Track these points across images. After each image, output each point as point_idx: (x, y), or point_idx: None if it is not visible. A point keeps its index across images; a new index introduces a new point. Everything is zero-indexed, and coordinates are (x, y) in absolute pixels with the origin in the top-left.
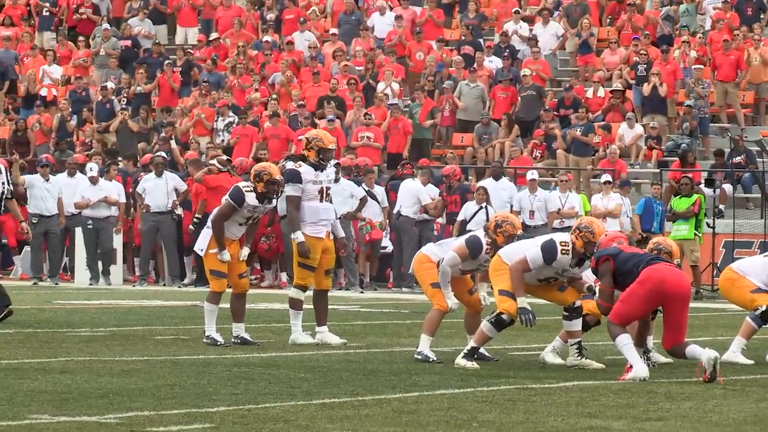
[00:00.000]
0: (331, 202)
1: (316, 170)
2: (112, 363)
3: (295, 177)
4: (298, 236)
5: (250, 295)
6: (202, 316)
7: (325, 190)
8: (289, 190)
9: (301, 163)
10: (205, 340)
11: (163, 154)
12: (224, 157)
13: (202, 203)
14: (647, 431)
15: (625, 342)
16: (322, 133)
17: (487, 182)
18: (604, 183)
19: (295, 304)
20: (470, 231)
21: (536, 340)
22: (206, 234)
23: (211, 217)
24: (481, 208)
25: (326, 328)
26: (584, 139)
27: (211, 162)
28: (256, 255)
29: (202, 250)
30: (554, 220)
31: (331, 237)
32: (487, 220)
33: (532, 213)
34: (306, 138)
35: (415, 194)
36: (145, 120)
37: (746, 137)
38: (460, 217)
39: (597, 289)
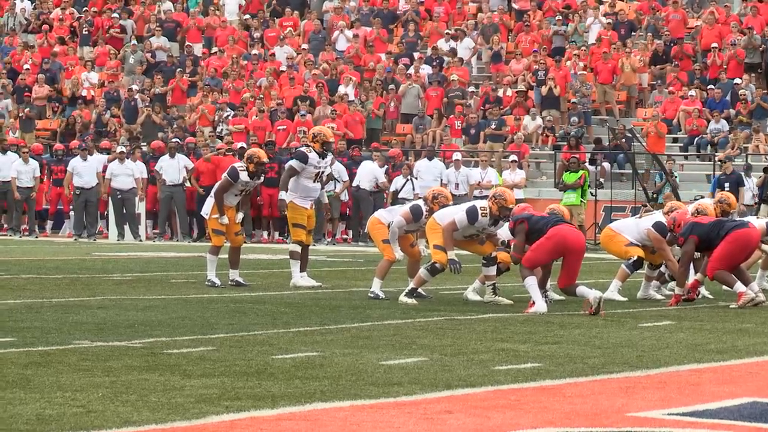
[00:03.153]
0: (322, 184)
1: (319, 158)
2: (136, 301)
3: (303, 157)
4: (281, 195)
5: (244, 248)
6: (205, 264)
7: (320, 174)
8: (293, 163)
9: (311, 148)
10: (207, 283)
11: (177, 139)
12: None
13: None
14: (545, 352)
15: (531, 283)
16: (325, 129)
17: (422, 162)
18: (512, 161)
19: (293, 254)
20: (402, 199)
21: (461, 282)
22: (209, 202)
23: (213, 189)
24: (407, 180)
25: (305, 273)
26: (498, 132)
27: (219, 148)
28: (248, 217)
29: (206, 214)
30: (474, 191)
31: (313, 207)
32: (413, 190)
33: (457, 185)
34: (312, 133)
35: (372, 172)
36: (160, 114)
37: (621, 126)
38: (392, 188)
39: (512, 245)
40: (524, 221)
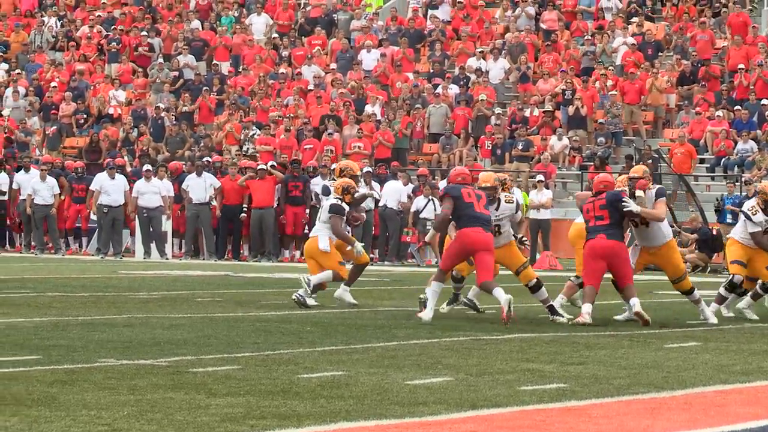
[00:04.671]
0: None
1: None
2: (162, 319)
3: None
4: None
5: (270, 267)
6: (232, 283)
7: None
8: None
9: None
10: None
11: (208, 158)
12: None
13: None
14: (571, 372)
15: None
16: (351, 163)
17: (442, 182)
18: (538, 182)
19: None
20: (425, 219)
21: (486, 302)
22: (325, 238)
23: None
24: (429, 200)
25: (348, 289)
26: (525, 153)
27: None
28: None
29: (326, 248)
30: None
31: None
32: (435, 210)
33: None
34: (339, 168)
35: (398, 191)
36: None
37: (647, 147)
38: (413, 209)
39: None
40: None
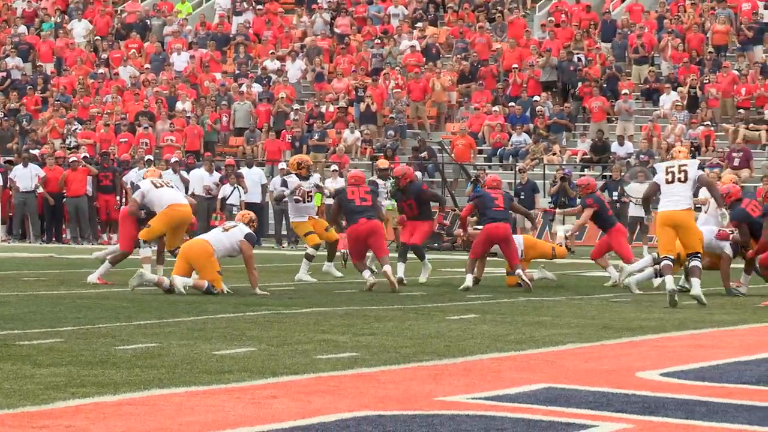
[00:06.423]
0: (311, 201)
1: (301, 180)
2: None
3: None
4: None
5: (93, 249)
6: (55, 263)
7: (306, 193)
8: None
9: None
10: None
11: (32, 151)
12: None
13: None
14: (362, 342)
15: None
16: (305, 156)
17: (244, 169)
18: (333, 171)
19: (309, 257)
20: (230, 205)
21: (288, 280)
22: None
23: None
24: (234, 188)
25: (332, 264)
26: (321, 143)
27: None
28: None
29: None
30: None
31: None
32: (240, 197)
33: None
34: (297, 162)
35: (203, 179)
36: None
37: (431, 139)
38: (220, 195)
39: None
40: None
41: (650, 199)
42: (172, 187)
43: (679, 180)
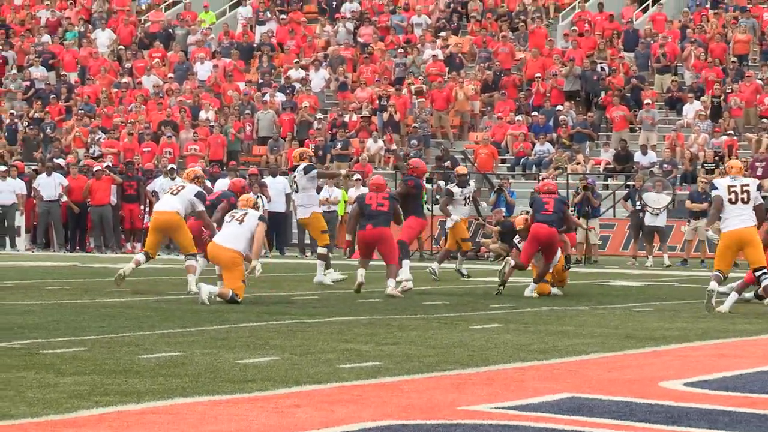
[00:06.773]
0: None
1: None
2: (15, 305)
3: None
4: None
5: (116, 258)
6: (79, 272)
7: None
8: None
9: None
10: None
11: (56, 160)
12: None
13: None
14: (386, 352)
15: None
16: (305, 149)
17: (268, 179)
18: (356, 180)
19: (322, 257)
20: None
21: (310, 289)
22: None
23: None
24: (258, 197)
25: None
26: (344, 152)
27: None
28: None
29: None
30: (322, 206)
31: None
32: (263, 206)
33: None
34: (299, 154)
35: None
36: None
37: (454, 149)
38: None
39: None
40: None
41: (716, 216)
42: (175, 194)
43: (742, 200)
